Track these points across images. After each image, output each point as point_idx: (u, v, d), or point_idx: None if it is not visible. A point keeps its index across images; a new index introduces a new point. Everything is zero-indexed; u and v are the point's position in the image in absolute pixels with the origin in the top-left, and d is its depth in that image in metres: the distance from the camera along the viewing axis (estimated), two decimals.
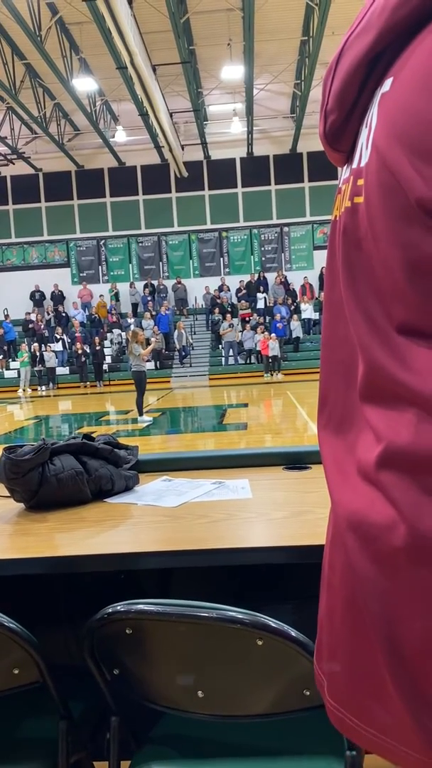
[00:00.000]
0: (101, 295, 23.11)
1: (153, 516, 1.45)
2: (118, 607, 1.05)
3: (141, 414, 11.37)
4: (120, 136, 20.62)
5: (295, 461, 1.83)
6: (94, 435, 1.79)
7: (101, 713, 1.30)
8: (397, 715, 0.63)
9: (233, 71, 16.33)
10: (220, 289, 22.67)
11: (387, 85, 0.62)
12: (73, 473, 1.56)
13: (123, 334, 21.20)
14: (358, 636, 0.67)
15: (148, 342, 13.19)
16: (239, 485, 1.66)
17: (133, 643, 1.07)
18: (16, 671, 1.14)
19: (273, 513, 1.42)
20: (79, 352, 20.68)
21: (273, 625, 0.98)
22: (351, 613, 0.68)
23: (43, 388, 20.52)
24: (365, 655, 0.66)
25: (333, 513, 0.73)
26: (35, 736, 1.30)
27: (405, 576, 0.60)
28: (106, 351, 21.33)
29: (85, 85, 16.67)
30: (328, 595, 0.74)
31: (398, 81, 0.60)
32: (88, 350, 20.79)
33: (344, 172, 0.73)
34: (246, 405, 14.23)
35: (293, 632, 0.98)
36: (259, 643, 0.98)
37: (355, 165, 0.68)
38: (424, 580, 0.59)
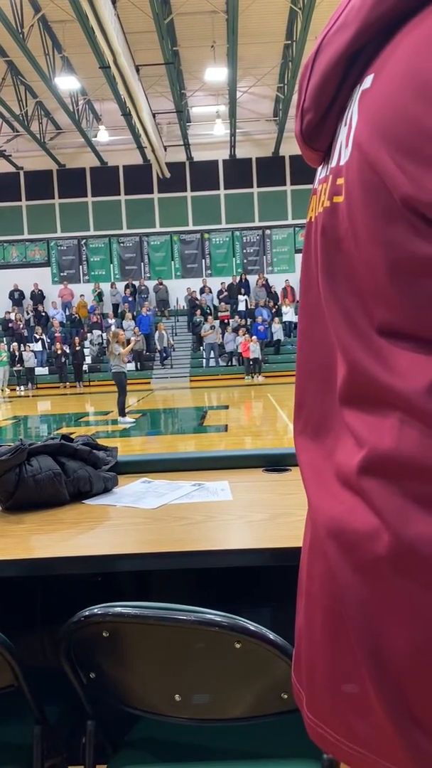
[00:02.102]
0: (82, 295, 22.98)
1: (132, 518, 1.44)
2: (95, 610, 1.04)
3: (123, 415, 11.31)
4: (102, 135, 20.51)
5: (275, 463, 1.83)
6: (72, 436, 1.77)
7: (77, 717, 1.29)
8: (380, 730, 0.61)
9: (217, 73, 16.33)
10: (202, 290, 22.67)
11: (368, 81, 0.60)
12: (51, 474, 1.54)
13: (103, 334, 21.10)
14: (340, 648, 0.64)
15: (128, 342, 13.14)
16: (219, 487, 1.65)
17: (110, 646, 1.06)
18: None
19: (253, 515, 1.42)
20: (59, 352, 20.53)
21: (251, 628, 0.97)
22: (332, 623, 0.66)
23: (22, 388, 20.33)
24: (347, 667, 0.64)
25: (311, 520, 0.70)
26: (9, 740, 1.28)
27: (389, 585, 0.58)
28: (86, 351, 21.19)
29: (67, 83, 16.56)
30: (306, 605, 0.71)
31: (380, 78, 0.59)
32: (67, 350, 20.65)
33: (321, 172, 0.72)
34: (227, 407, 14.23)
35: (271, 635, 0.97)
36: (237, 646, 0.98)
37: (333, 164, 0.66)
38: (409, 589, 0.57)
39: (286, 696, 0.99)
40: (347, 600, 0.62)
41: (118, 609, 1.03)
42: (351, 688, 0.64)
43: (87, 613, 1.04)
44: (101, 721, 1.18)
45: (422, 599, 0.56)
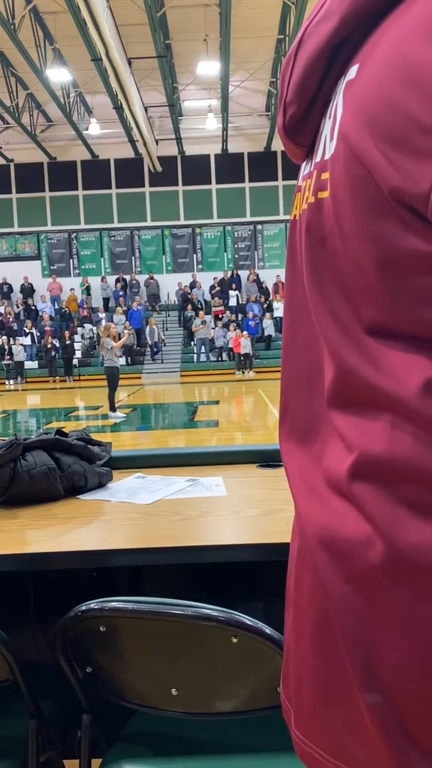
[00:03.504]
0: (72, 289, 22.88)
1: (126, 513, 1.44)
2: (92, 605, 1.04)
3: (113, 410, 11.29)
4: (94, 128, 20.41)
5: (269, 459, 1.84)
6: (63, 430, 1.77)
7: (71, 711, 1.29)
8: (373, 749, 0.59)
9: (209, 67, 16.28)
10: (192, 285, 22.64)
11: (353, 72, 0.58)
12: (46, 469, 1.54)
13: (94, 328, 21.04)
14: (330, 662, 0.62)
15: (120, 336, 13.11)
16: (213, 483, 1.66)
17: (107, 640, 1.07)
18: None
19: (247, 510, 1.43)
20: (49, 346, 20.46)
21: (248, 622, 0.98)
22: (322, 637, 0.63)
23: (11, 382, 20.24)
24: (338, 683, 0.61)
25: (299, 528, 0.68)
26: (4, 735, 1.28)
27: (383, 596, 0.56)
28: (77, 345, 21.13)
29: (59, 76, 16.45)
30: (294, 618, 0.69)
31: (366, 68, 0.57)
32: (57, 344, 20.58)
33: (304, 168, 0.70)
34: (217, 402, 14.24)
35: (268, 629, 0.98)
36: (234, 640, 0.98)
37: (318, 159, 0.64)
38: (403, 599, 0.55)
39: (281, 690, 1.00)
40: (338, 612, 0.60)
41: (116, 604, 1.03)
42: (341, 705, 0.61)
43: (84, 608, 1.05)
44: (96, 715, 1.19)
45: (417, 610, 0.54)
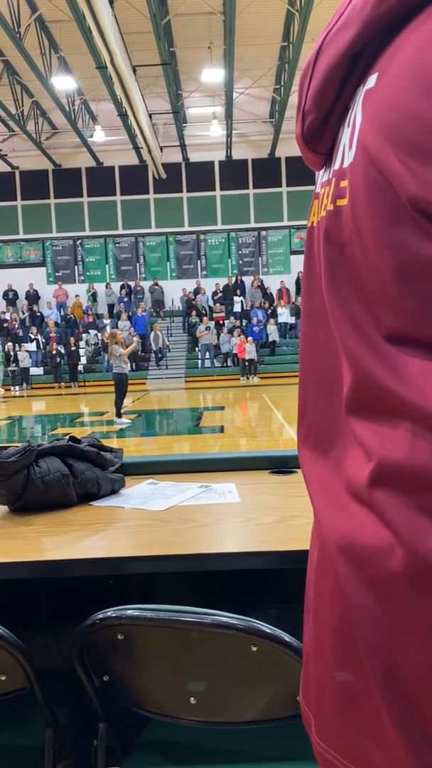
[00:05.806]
0: (77, 295, 22.95)
1: (141, 520, 1.44)
2: (110, 613, 1.04)
3: (119, 416, 11.29)
4: (98, 135, 20.51)
5: (281, 465, 1.83)
6: (74, 437, 1.77)
7: (86, 719, 1.28)
8: (394, 755, 0.59)
9: (213, 74, 16.35)
10: (197, 291, 22.67)
11: (372, 81, 0.59)
12: (59, 476, 1.54)
13: (99, 334, 21.09)
14: (351, 669, 0.62)
15: (128, 342, 13.13)
16: (226, 489, 1.65)
17: (125, 649, 1.06)
18: (3, 677, 1.12)
19: (262, 517, 1.42)
20: (54, 352, 20.50)
21: (267, 630, 0.97)
22: (342, 645, 0.63)
23: (17, 388, 20.29)
24: (359, 690, 0.61)
25: (319, 536, 0.67)
26: (20, 743, 1.27)
27: (404, 603, 0.56)
28: (81, 352, 21.17)
29: (63, 83, 16.55)
30: (314, 626, 0.69)
31: (385, 77, 0.57)
32: (62, 350, 20.62)
33: (322, 176, 0.70)
34: (222, 408, 14.23)
35: (287, 637, 0.97)
36: (254, 649, 0.97)
37: (336, 166, 0.65)
38: (425, 606, 0.54)
39: (300, 697, 0.99)
40: (359, 619, 0.59)
41: (133, 612, 1.02)
42: (363, 713, 0.62)
43: (101, 616, 1.04)
44: (112, 723, 1.18)
45: None
